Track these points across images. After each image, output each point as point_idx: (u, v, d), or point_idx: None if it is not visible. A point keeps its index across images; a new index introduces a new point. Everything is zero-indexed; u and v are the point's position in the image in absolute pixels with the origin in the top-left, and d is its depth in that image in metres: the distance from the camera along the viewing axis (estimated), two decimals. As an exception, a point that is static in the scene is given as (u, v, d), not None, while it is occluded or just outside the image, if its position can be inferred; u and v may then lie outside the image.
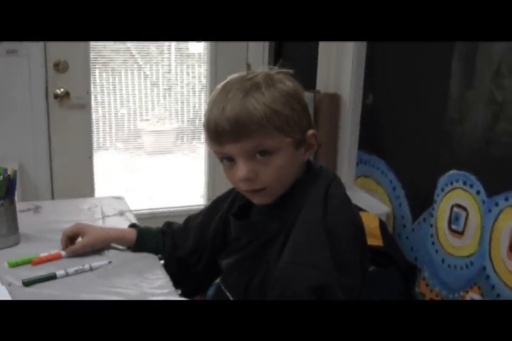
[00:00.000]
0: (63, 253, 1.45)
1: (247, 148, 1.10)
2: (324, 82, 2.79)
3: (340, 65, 2.69)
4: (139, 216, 1.77)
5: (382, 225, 2.17)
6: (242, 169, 1.11)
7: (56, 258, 1.43)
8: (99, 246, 1.48)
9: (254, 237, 1.21)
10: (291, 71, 1.17)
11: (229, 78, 1.16)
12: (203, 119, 1.16)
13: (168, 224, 1.50)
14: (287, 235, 1.12)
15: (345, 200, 1.17)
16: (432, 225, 2.22)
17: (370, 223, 2.11)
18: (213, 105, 1.12)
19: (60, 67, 2.73)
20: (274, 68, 1.17)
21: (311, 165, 1.21)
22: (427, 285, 2.26)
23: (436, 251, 2.20)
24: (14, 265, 1.39)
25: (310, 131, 1.16)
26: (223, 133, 1.09)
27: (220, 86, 1.15)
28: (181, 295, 1.30)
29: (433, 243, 2.22)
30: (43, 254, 1.43)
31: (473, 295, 2.02)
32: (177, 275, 1.40)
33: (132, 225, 1.55)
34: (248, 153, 1.11)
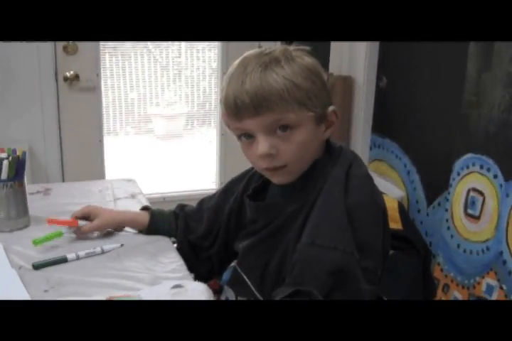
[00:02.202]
0: (81, 222, 1.44)
1: (268, 122, 1.07)
2: (337, 64, 2.75)
3: (354, 46, 2.65)
4: (149, 200, 1.75)
5: (401, 208, 2.13)
6: (262, 144, 1.08)
7: (73, 224, 1.43)
8: (111, 228, 1.47)
9: (271, 219, 1.18)
10: (308, 48, 1.14)
11: (245, 54, 1.13)
12: (219, 95, 1.13)
13: (181, 207, 1.48)
14: (306, 216, 1.10)
15: (367, 180, 1.14)
16: (447, 210, 2.19)
17: (389, 206, 2.07)
18: (231, 79, 1.10)
19: (69, 49, 2.71)
20: (291, 45, 1.14)
21: (331, 145, 1.19)
22: (441, 270, 2.23)
23: (452, 236, 2.17)
24: (39, 243, 1.36)
25: (331, 108, 1.14)
26: (243, 107, 1.07)
27: (237, 62, 1.13)
28: (195, 279, 1.28)
29: (448, 228, 2.19)
30: (65, 231, 1.42)
31: (490, 281, 1.99)
32: (191, 258, 1.38)
33: (144, 208, 1.53)
34: (268, 128, 1.08)
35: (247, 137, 1.11)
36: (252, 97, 1.05)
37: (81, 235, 1.43)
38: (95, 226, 1.43)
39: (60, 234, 1.37)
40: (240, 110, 1.07)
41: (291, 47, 1.13)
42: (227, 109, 1.11)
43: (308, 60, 1.12)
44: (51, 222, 1.40)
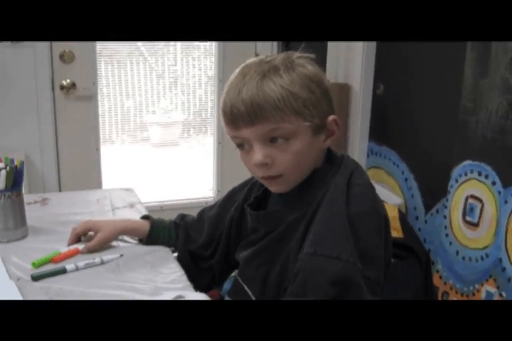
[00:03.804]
0: (80, 247, 1.41)
1: (263, 131, 1.07)
2: (334, 71, 2.75)
3: (351, 54, 2.65)
4: (147, 208, 1.74)
5: (401, 216, 2.13)
6: (258, 154, 1.08)
7: (75, 253, 1.40)
8: (114, 239, 1.46)
9: (272, 228, 1.17)
10: (312, 56, 1.13)
11: (247, 61, 1.13)
12: (220, 103, 1.12)
13: (182, 217, 1.47)
14: (307, 225, 1.09)
15: (369, 189, 1.13)
16: (445, 217, 2.18)
17: (389, 213, 2.06)
18: (230, 88, 1.10)
19: (66, 57, 2.70)
20: (295, 53, 1.13)
21: (332, 154, 1.18)
22: (440, 277, 2.23)
23: (450, 243, 2.16)
24: (38, 265, 1.33)
25: (331, 117, 1.13)
26: (239, 115, 1.06)
27: (237, 69, 1.12)
28: (196, 289, 1.27)
29: (447, 235, 2.18)
30: (63, 251, 1.39)
31: (489, 288, 1.98)
32: (191, 268, 1.37)
33: (144, 217, 1.51)
34: (264, 138, 1.07)
35: (244, 146, 1.11)
36: (248, 106, 1.05)
37: (88, 252, 1.40)
38: (100, 241, 1.42)
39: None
40: (236, 119, 1.07)
41: (295, 55, 1.12)
42: (225, 118, 1.10)
43: (310, 69, 1.10)
44: (56, 260, 1.35)
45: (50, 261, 1.35)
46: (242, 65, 1.12)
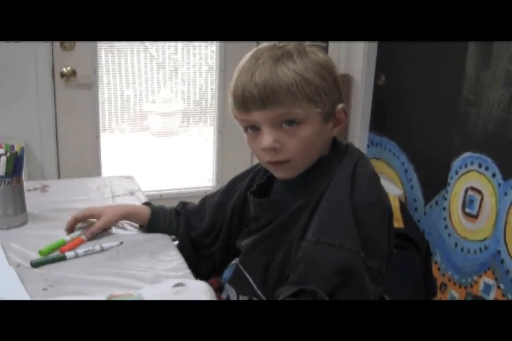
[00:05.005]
0: (84, 237, 1.40)
1: (274, 115, 1.07)
2: (335, 62, 2.72)
3: (352, 44, 2.63)
4: (146, 197, 1.73)
5: (402, 206, 2.13)
6: (267, 138, 1.08)
7: (81, 243, 1.39)
8: (116, 223, 1.46)
9: (275, 216, 1.17)
10: (323, 44, 1.13)
11: (259, 46, 1.13)
12: (230, 86, 1.12)
13: (183, 204, 1.47)
14: (311, 214, 1.09)
15: (374, 179, 1.13)
16: (445, 208, 2.19)
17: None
18: (242, 71, 1.09)
19: (66, 45, 2.69)
20: (305, 42, 1.13)
21: (338, 143, 1.18)
22: (438, 269, 2.23)
23: (449, 235, 2.17)
24: (46, 253, 1.32)
25: (340, 106, 1.13)
26: (251, 98, 1.06)
27: (249, 54, 1.12)
28: (196, 277, 1.26)
29: (446, 226, 2.18)
30: (68, 239, 1.39)
31: (487, 280, 1.99)
32: (192, 256, 1.37)
33: (145, 204, 1.51)
34: (275, 122, 1.07)
35: (253, 129, 1.11)
36: (261, 89, 1.05)
37: (91, 237, 1.40)
38: (102, 225, 1.42)
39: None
40: (248, 102, 1.07)
41: (306, 43, 1.12)
42: (235, 101, 1.10)
43: (322, 56, 1.11)
44: (64, 250, 1.34)
45: (59, 250, 1.34)
46: (253, 49, 1.13)
